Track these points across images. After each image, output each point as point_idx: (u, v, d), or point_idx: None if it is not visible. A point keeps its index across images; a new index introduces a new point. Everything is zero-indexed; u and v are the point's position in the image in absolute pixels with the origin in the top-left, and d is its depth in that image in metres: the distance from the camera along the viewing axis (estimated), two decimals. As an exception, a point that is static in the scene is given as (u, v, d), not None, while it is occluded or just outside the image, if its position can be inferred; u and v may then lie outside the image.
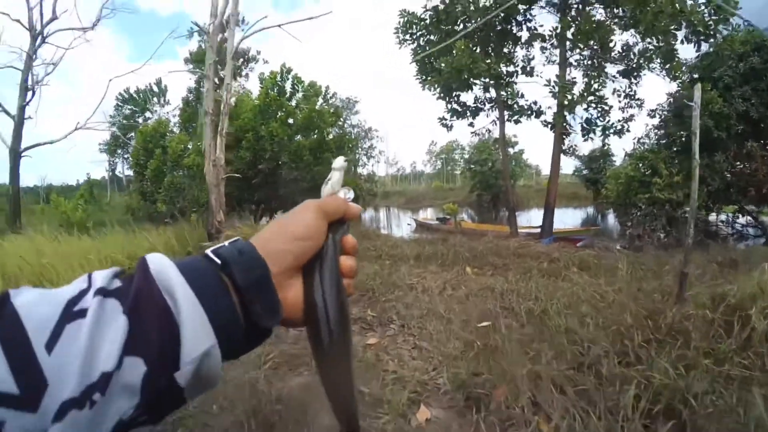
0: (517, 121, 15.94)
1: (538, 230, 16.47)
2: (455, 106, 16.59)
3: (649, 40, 14.32)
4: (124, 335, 0.43)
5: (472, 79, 14.80)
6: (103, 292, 0.45)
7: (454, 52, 13.82)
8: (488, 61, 13.44)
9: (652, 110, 16.97)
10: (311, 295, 0.57)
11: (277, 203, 16.44)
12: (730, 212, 17.82)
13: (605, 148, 15.55)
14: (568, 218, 25.49)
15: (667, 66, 14.28)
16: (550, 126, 15.72)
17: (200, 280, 0.48)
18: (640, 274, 6.93)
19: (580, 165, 35.21)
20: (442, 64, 14.00)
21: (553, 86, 14.44)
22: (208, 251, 0.53)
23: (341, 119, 34.44)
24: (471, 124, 17.09)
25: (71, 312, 0.43)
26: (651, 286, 5.73)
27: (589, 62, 15.69)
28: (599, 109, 14.92)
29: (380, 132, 47.25)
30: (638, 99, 15.63)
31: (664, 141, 16.72)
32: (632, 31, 14.61)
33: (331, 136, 17.83)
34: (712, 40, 13.87)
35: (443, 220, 21.60)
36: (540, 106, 15.81)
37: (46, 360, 0.40)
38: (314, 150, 16.33)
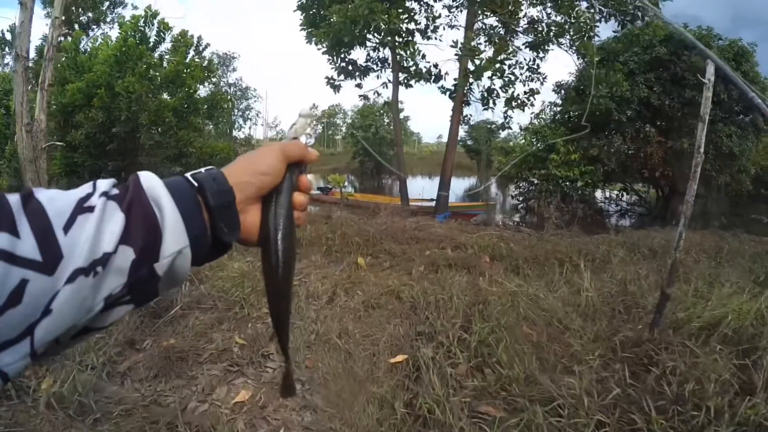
0: (408, 86, 14.58)
1: (431, 203, 15.30)
2: (343, 64, 14.88)
3: (560, 14, 13.47)
4: (121, 228, 0.53)
5: (367, 34, 13.17)
6: (107, 195, 0.55)
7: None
8: (386, 16, 11.75)
9: (558, 85, 16.81)
10: (266, 221, 0.69)
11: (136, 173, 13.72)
12: (616, 190, 18.54)
13: (506, 121, 14.42)
14: (454, 188, 24.04)
15: (578, 43, 13.37)
16: (449, 93, 14.45)
17: (181, 197, 0.59)
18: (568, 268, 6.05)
19: (464, 135, 34.53)
20: (334, 15, 12.11)
21: (459, 50, 13.05)
22: (188, 175, 0.63)
23: (215, 75, 31.38)
24: (359, 86, 15.37)
25: (82, 206, 0.53)
26: (599, 293, 4.77)
27: (497, 30, 14.56)
28: (505, 80, 13.72)
29: (259, 92, 42.92)
30: (541, 73, 14.60)
31: (561, 118, 16.65)
32: (540, 6, 13.94)
33: (201, 95, 15.04)
34: (639, 22, 13.56)
35: (325, 190, 19.63)
36: (440, 70, 14.48)
37: (63, 238, 0.50)
38: (179, 110, 13.43)
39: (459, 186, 29.25)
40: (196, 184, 0.62)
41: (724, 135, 14.51)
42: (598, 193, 18.16)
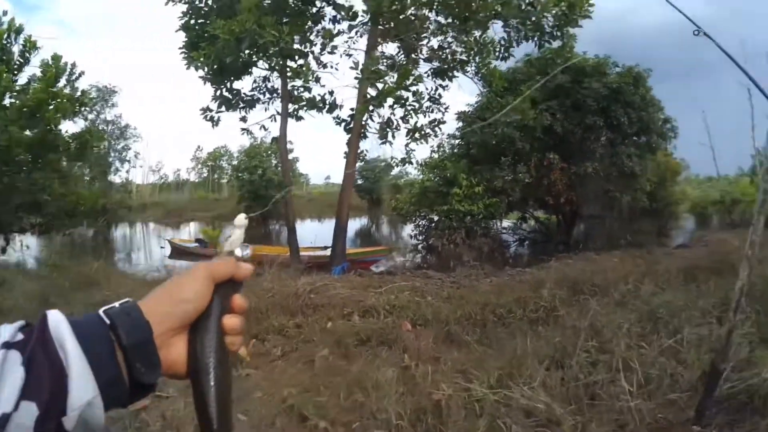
0: (298, 118, 12.99)
1: (325, 252, 13.65)
2: (226, 93, 12.80)
3: (465, 38, 12.41)
4: (21, 382, 0.49)
5: (254, 58, 11.52)
6: (8, 346, 0.51)
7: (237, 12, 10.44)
8: (276, 33, 10.07)
9: (460, 115, 16.01)
10: (194, 352, 0.63)
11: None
12: (514, 219, 18.16)
13: (408, 154, 13.11)
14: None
15: (483, 70, 12.51)
16: (344, 125, 12.94)
17: (89, 339, 0.54)
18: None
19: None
20: (218, 30, 10.23)
21: (360, 71, 11.57)
22: (101, 311, 0.58)
23: (90, 110, 27.86)
24: (243, 119, 13.37)
25: None
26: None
27: (399, 57, 13.22)
28: (408, 109, 12.38)
29: (138, 131, 38.24)
30: (442, 103, 13.58)
31: (461, 150, 15.87)
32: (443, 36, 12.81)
33: (66, 131, 12.02)
34: (557, 42, 12.86)
35: (203, 243, 16.64)
36: (335, 99, 12.86)
37: None
38: (35, 147, 10.57)
39: (350, 228, 27.90)
40: (108, 321, 0.57)
41: (624, 156, 15.08)
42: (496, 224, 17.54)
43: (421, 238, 15.77)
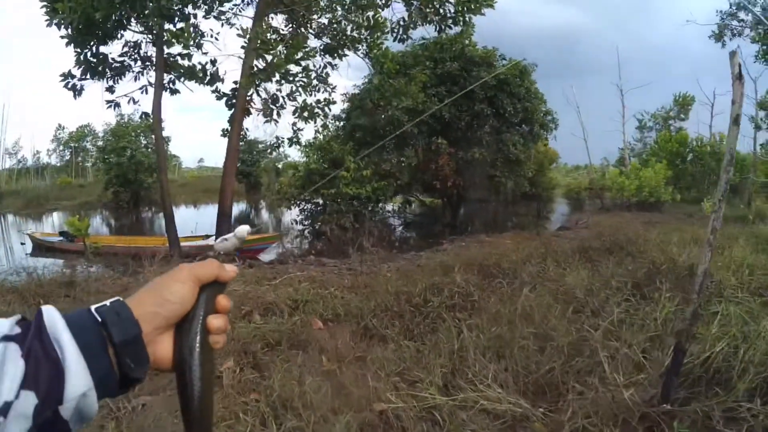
0: (174, 91, 11.77)
1: (208, 241, 12.29)
2: (91, 58, 11.03)
3: (356, 17, 11.58)
4: (21, 373, 0.51)
5: (127, 13, 10.06)
6: (7, 338, 0.53)
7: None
8: None
9: (346, 96, 16.17)
10: (179, 351, 0.66)
11: None
12: (398, 203, 18.17)
13: (296, 134, 12.27)
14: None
15: (375, 51, 11.77)
16: (226, 100, 11.67)
17: (84, 335, 0.56)
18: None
19: None
20: None
21: (248, 40, 10.45)
22: (93, 308, 0.60)
23: None
24: (110, 89, 11.63)
25: None
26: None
27: (288, 29, 12.19)
28: (296, 85, 11.50)
29: None
30: (330, 84, 12.52)
31: (347, 132, 15.73)
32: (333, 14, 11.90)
33: None
34: (459, 27, 12.38)
35: (69, 237, 13.53)
36: (217, 69, 11.40)
37: None
38: None
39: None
40: (99, 318, 0.59)
41: (510, 143, 15.84)
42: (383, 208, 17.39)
43: (307, 222, 15.16)
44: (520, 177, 17.18)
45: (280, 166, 30.80)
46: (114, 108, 12.05)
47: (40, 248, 14.20)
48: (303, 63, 11.11)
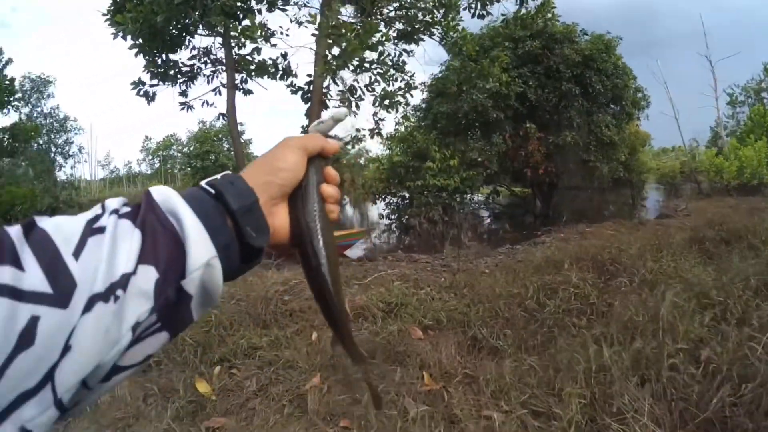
0: (246, 91, 11.51)
1: None
2: (160, 64, 10.98)
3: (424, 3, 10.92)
4: (138, 246, 0.48)
5: (189, 18, 9.78)
6: (118, 214, 0.50)
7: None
8: None
9: (423, 84, 14.53)
10: (298, 219, 0.63)
11: None
12: (486, 193, 17.06)
13: (377, 125, 11.74)
14: None
15: (455, 33, 11.04)
16: (302, 93, 11.24)
17: (200, 205, 0.53)
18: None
19: None
20: None
21: (318, 27, 9.92)
22: (203, 183, 0.58)
23: (21, 103, 25.72)
24: (183, 93, 11.59)
25: (92, 228, 0.48)
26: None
27: (358, 15, 11.34)
28: (374, 74, 10.91)
29: (80, 123, 34.63)
30: (407, 71, 11.71)
31: (426, 123, 14.85)
32: None
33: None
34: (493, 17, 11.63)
35: None
36: (288, 62, 10.98)
37: (74, 265, 0.44)
38: None
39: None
40: (213, 191, 0.57)
41: (602, 125, 14.62)
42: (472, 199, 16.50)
43: (393, 217, 14.68)
44: (614, 161, 15.73)
45: (361, 161, 30.60)
46: (187, 110, 11.85)
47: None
48: (379, 48, 10.43)
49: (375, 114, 11.80)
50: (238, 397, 2.98)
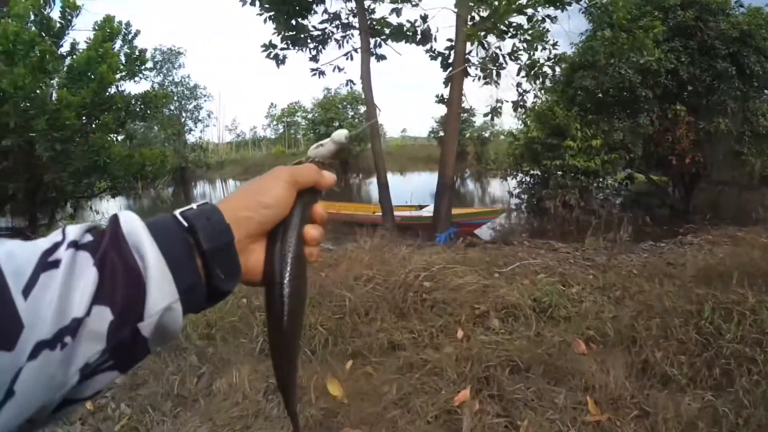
0: (379, 57, 11.11)
1: (421, 212, 11.94)
2: (292, 32, 10.91)
3: None
4: (94, 285, 0.45)
5: None
6: (76, 245, 0.47)
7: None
8: None
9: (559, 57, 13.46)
10: (271, 261, 0.59)
11: (41, 197, 9.79)
12: (620, 178, 15.13)
13: (521, 97, 11.02)
14: (428, 185, 18.56)
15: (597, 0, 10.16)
16: (441, 59, 10.65)
17: (168, 242, 0.50)
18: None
19: (436, 126, 30.97)
20: None
21: None
22: (177, 212, 0.54)
23: (154, 72, 27.49)
24: (314, 58, 11.39)
25: (46, 262, 0.45)
26: None
27: None
28: (521, 40, 10.07)
29: (209, 91, 36.70)
30: (547, 40, 10.56)
31: (566, 98, 13.39)
32: None
33: (128, 92, 10.49)
34: None
35: None
36: (428, 27, 10.37)
37: (23, 304, 0.42)
38: (87, 108, 9.03)
39: (430, 182, 26.08)
40: (186, 224, 0.53)
41: (759, 113, 12.74)
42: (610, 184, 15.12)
43: (525, 197, 13.92)
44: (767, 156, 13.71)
45: (487, 134, 29.73)
46: (319, 76, 11.76)
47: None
48: (528, 12, 9.64)
49: (519, 85, 10.98)
50: (374, 405, 2.67)
